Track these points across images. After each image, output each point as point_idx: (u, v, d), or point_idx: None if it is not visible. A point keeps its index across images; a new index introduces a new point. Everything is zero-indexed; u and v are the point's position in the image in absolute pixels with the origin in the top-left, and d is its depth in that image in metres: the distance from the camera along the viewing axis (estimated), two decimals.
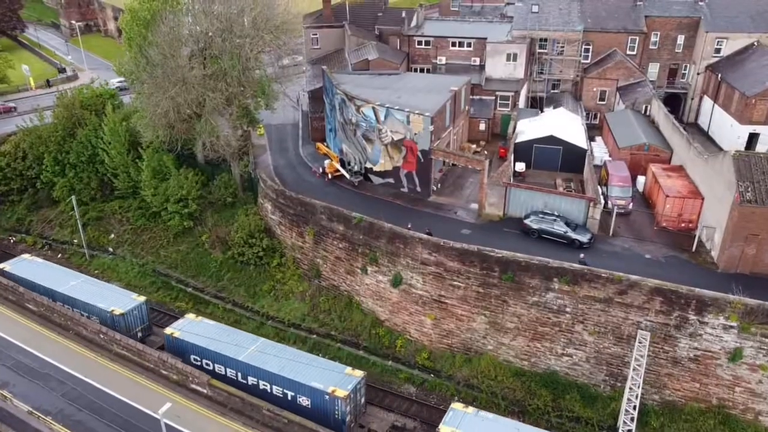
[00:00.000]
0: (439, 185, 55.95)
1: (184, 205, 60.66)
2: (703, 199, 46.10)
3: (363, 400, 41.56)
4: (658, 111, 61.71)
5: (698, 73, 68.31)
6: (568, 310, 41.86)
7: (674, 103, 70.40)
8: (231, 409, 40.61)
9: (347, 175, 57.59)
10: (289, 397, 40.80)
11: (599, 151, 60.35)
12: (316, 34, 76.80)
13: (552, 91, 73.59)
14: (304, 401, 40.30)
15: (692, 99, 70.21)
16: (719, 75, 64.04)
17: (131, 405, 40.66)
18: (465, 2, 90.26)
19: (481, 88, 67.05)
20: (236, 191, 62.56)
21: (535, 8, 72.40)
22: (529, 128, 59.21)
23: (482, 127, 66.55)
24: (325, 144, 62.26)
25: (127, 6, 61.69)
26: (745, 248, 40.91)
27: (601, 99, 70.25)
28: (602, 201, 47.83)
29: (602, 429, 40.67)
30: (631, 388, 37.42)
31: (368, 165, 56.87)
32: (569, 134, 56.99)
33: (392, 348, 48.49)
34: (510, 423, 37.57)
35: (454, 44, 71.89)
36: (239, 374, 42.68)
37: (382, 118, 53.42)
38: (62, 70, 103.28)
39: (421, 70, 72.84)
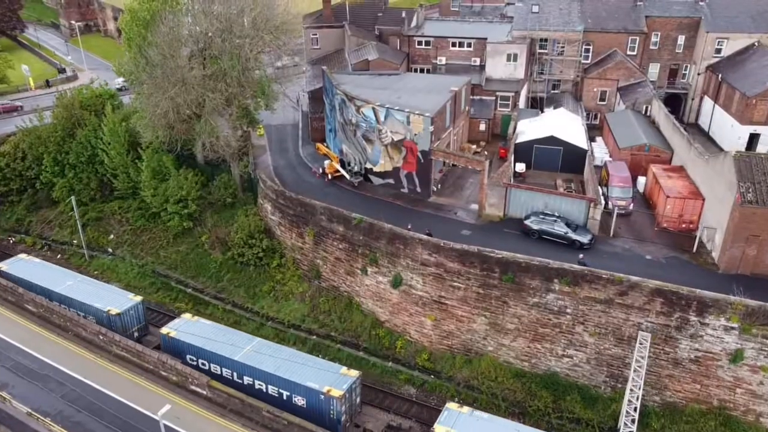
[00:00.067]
0: (439, 186, 55.85)
1: (184, 206, 60.57)
2: (703, 199, 46.00)
3: (358, 399, 41.63)
4: (659, 111, 61.62)
5: (699, 74, 68.22)
6: (568, 311, 41.75)
7: (675, 103, 70.29)
8: (230, 411, 40.55)
9: (347, 176, 57.49)
10: (285, 397, 40.87)
11: (600, 151, 60.25)
12: (316, 35, 76.75)
13: (552, 91, 73.50)
14: (299, 401, 40.35)
15: (693, 99, 70.11)
16: (720, 75, 63.94)
17: (130, 406, 40.63)
18: (465, 2, 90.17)
19: (481, 89, 66.96)
20: (236, 192, 62.47)
21: (535, 8, 72.32)
22: (529, 129, 59.12)
23: (482, 127, 66.46)
24: (325, 144, 62.15)
25: (127, 6, 61.64)
26: (746, 249, 40.81)
27: (602, 99, 70.16)
28: (603, 202, 47.74)
29: (603, 430, 40.55)
30: (631, 390, 37.31)
31: (368, 165, 56.78)
32: (570, 135, 56.89)
33: (392, 349, 48.39)
34: (505, 423, 37.65)
35: (454, 44, 71.82)
36: (235, 374, 42.78)
37: (382, 118, 53.33)
38: (62, 71, 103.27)
39: (421, 71, 72.76)
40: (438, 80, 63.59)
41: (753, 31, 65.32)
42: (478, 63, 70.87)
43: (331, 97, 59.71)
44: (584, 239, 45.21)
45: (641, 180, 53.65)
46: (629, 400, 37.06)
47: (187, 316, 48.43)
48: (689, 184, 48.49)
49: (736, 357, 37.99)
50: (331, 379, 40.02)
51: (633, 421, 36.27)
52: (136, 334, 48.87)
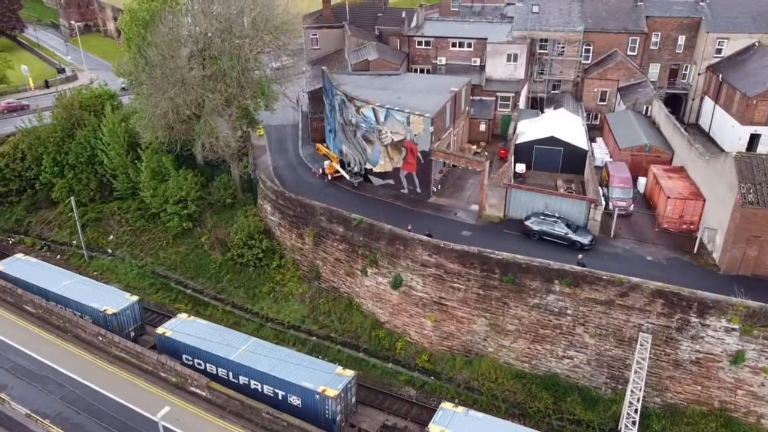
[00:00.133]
0: (439, 186, 55.75)
1: (184, 206, 60.45)
2: (704, 200, 45.90)
3: (354, 399, 41.60)
4: (659, 112, 61.52)
5: (699, 74, 68.14)
6: (569, 312, 41.64)
7: (675, 103, 70.20)
8: (230, 412, 40.45)
9: (347, 176, 57.39)
10: (280, 397, 40.88)
11: (600, 152, 60.15)
12: (315, 35, 76.67)
13: (552, 91, 73.42)
14: (294, 401, 40.37)
15: (693, 100, 70.03)
16: (720, 75, 63.86)
17: (130, 408, 40.51)
18: (465, 2, 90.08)
19: (481, 89, 66.86)
20: (236, 192, 62.35)
21: (535, 8, 72.22)
22: (529, 129, 59.01)
23: (482, 128, 66.35)
24: (325, 145, 62.04)
25: (126, 6, 61.54)
26: (746, 250, 40.70)
27: (602, 100, 70.07)
28: (603, 202, 47.64)
29: None
30: (632, 391, 37.19)
31: (368, 166, 56.68)
32: (570, 135, 56.79)
33: (392, 350, 48.27)
34: (499, 422, 37.64)
35: (454, 45, 71.73)
36: (230, 374, 42.77)
37: (382, 119, 53.22)
38: (61, 71, 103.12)
39: (421, 71, 72.66)
40: (438, 80, 63.48)
41: (753, 31, 65.25)
42: (478, 63, 70.79)
43: (331, 97, 59.61)
44: (585, 240, 45.11)
45: (642, 181, 53.55)
46: (630, 402, 36.95)
47: (183, 315, 48.44)
48: (690, 185, 48.38)
49: (737, 358, 37.88)
50: (327, 379, 40.05)
51: (634, 423, 36.15)
52: (132, 334, 48.86)
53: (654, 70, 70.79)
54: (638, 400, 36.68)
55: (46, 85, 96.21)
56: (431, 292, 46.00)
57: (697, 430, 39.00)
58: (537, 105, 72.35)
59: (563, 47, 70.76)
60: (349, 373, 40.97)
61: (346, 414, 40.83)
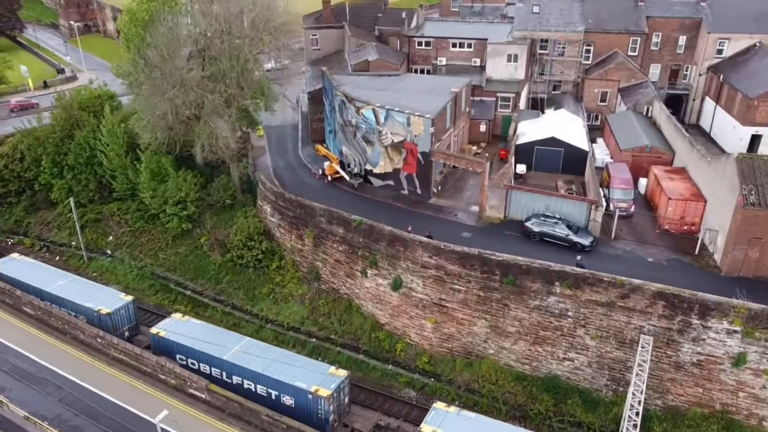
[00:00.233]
0: (439, 187, 55.57)
1: (183, 207, 60.27)
2: (705, 201, 45.73)
3: (347, 399, 41.58)
4: (660, 112, 61.35)
5: (700, 74, 67.97)
6: (569, 314, 41.46)
7: (676, 104, 70.02)
8: (229, 414, 40.28)
9: (347, 177, 57.23)
10: (273, 397, 40.88)
11: (601, 152, 59.97)
12: (315, 35, 76.55)
13: (553, 92, 73.28)
14: (287, 400, 40.37)
15: (694, 100, 69.86)
16: (721, 76, 63.70)
17: (128, 410, 40.32)
18: (465, 3, 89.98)
19: (481, 90, 66.69)
20: (235, 193, 62.15)
21: (535, 9, 72.07)
22: (530, 130, 58.85)
23: (483, 128, 66.17)
24: (325, 146, 61.90)
25: (126, 7, 61.39)
26: (748, 252, 40.54)
27: (603, 100, 69.90)
28: (604, 203, 47.47)
29: None
30: (633, 393, 37.01)
31: (368, 167, 56.51)
32: (570, 136, 56.63)
33: (392, 352, 48.11)
34: (491, 422, 37.65)
35: (454, 45, 71.60)
36: (224, 374, 42.76)
37: (382, 119, 53.06)
38: (61, 71, 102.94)
39: (422, 71, 72.52)
40: (438, 81, 63.27)
41: (754, 31, 65.07)
42: (478, 64, 70.64)
43: (330, 98, 59.45)
44: (585, 241, 44.95)
45: (642, 182, 53.38)
46: (631, 404, 36.77)
47: (177, 315, 48.42)
48: (691, 186, 48.21)
49: (738, 360, 37.71)
50: (320, 379, 40.08)
51: (635, 425, 35.99)
52: (126, 334, 48.79)
53: (655, 70, 70.64)
54: (639, 402, 36.50)
55: (45, 85, 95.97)
56: (431, 293, 45.83)
57: None
58: (537, 106, 72.17)
59: (564, 48, 70.62)
60: (342, 373, 41.09)
61: (339, 414, 40.86)
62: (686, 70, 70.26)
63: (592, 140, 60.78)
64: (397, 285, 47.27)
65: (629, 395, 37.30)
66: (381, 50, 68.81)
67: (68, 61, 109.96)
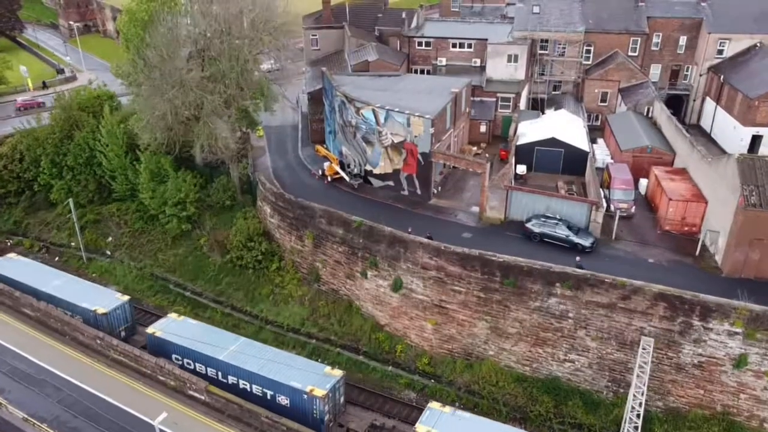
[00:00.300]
0: (439, 188, 55.45)
1: (182, 208, 60.13)
2: (706, 202, 45.61)
3: (342, 399, 41.57)
4: (661, 113, 61.23)
5: (700, 75, 67.85)
6: (570, 315, 41.34)
7: (676, 104, 69.88)
8: (229, 416, 40.18)
9: (347, 178, 57.11)
10: (269, 397, 40.88)
11: (601, 153, 59.85)
12: (315, 36, 76.42)
13: (553, 92, 73.14)
14: (283, 400, 40.38)
15: (694, 100, 69.74)
16: (722, 76, 63.58)
17: (128, 411, 40.21)
18: (465, 3, 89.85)
19: (481, 90, 66.56)
20: (235, 194, 62.01)
21: (536, 9, 71.94)
22: (530, 130, 58.72)
23: (483, 129, 66.04)
24: (325, 146, 61.77)
25: (125, 7, 61.23)
26: (749, 253, 40.42)
27: (603, 101, 69.78)
28: (604, 204, 47.34)
29: None
30: (634, 395, 36.87)
31: (368, 168, 56.38)
32: (571, 136, 56.50)
33: (392, 353, 47.97)
34: (486, 422, 37.65)
35: (454, 45, 71.47)
36: (219, 373, 42.75)
37: (382, 120, 52.94)
38: (60, 71, 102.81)
39: (422, 72, 72.40)
40: (438, 81, 63.15)
41: (755, 32, 64.93)
42: (478, 64, 70.51)
43: (330, 98, 59.32)
44: (586, 242, 44.83)
45: (643, 182, 53.25)
46: (632, 406, 36.64)
47: (173, 315, 48.41)
48: (692, 187, 48.09)
49: (740, 362, 37.60)
50: (315, 379, 40.10)
51: (636, 427, 35.89)
52: (123, 334, 48.72)
53: (655, 70, 70.47)
54: (640, 404, 36.37)
55: (44, 86, 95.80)
56: (432, 294, 45.71)
57: None
58: (538, 106, 72.06)
59: (564, 48, 70.49)
60: (338, 373, 41.13)
61: (335, 414, 40.87)
62: (687, 71, 70.13)
63: (593, 141, 60.66)
64: (397, 286, 47.15)
65: (630, 397, 37.17)
66: (381, 50, 68.69)
67: (68, 61, 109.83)
